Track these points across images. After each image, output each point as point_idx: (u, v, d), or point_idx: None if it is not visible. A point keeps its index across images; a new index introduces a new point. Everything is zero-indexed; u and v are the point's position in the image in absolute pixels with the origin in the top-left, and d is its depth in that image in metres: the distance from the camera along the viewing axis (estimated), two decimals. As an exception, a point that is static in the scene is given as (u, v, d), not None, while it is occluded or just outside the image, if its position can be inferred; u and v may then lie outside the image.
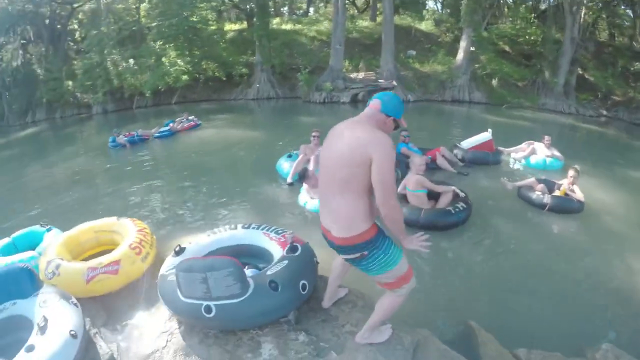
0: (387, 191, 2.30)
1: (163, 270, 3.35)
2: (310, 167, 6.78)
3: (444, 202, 5.88)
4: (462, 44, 22.69)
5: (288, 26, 28.89)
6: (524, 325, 3.73)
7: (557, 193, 6.47)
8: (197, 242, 3.82)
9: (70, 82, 22.82)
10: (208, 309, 2.81)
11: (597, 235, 5.75)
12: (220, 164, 9.83)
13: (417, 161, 6.00)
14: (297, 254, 3.32)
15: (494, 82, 23.24)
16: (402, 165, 7.47)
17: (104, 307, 3.65)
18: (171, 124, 13.75)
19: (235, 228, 4.05)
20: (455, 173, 7.86)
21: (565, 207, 6.24)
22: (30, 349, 2.52)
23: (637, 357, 3.12)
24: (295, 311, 3.15)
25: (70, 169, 10.39)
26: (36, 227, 5.01)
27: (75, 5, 25.94)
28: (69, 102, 22.97)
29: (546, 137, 8.80)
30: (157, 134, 12.95)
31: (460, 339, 3.37)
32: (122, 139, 11.93)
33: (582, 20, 23.78)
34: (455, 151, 8.81)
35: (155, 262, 4.10)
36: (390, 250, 2.47)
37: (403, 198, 6.00)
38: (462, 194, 5.93)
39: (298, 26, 28.94)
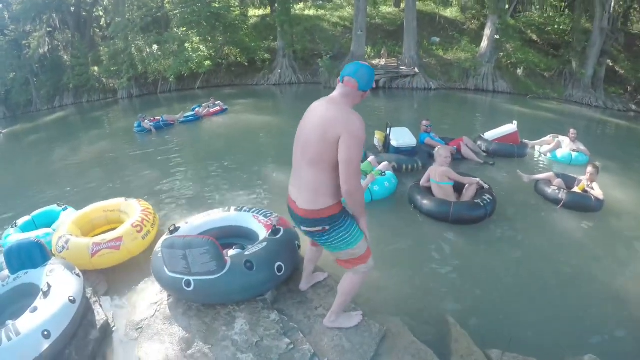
0: (351, 170, 2.37)
1: (157, 247, 3.64)
2: None
3: (468, 194, 5.78)
4: (487, 31, 22.14)
5: (311, 12, 28.96)
6: (507, 326, 3.61)
7: (575, 189, 6.24)
8: (192, 223, 4.09)
9: (96, 68, 23.58)
10: (188, 283, 3.12)
11: (611, 238, 5.34)
12: (241, 149, 9.95)
13: (443, 152, 5.82)
14: (277, 236, 3.57)
15: (519, 71, 22.79)
16: (424, 156, 7.52)
17: (107, 280, 4.02)
18: (197, 109, 13.95)
19: (229, 210, 4.33)
20: (482, 163, 7.77)
21: (581, 204, 5.91)
22: (34, 310, 2.91)
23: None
24: (273, 291, 3.41)
25: (94, 152, 10.87)
26: (53, 207, 5.49)
27: (100, -8, 26.60)
28: (95, 87, 23.75)
29: (572, 131, 8.52)
30: (182, 119, 13.14)
31: (435, 333, 3.37)
32: (147, 123, 12.15)
33: (612, 10, 23.06)
34: (478, 142, 8.71)
35: (157, 240, 4.37)
36: (352, 229, 2.58)
37: (428, 190, 5.93)
38: (486, 186, 5.83)
39: (321, 12, 28.97)
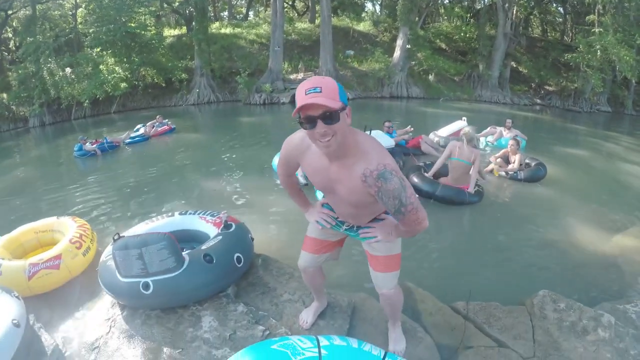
0: None
1: (103, 257, 3.42)
2: None
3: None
4: (399, 42, 23.65)
5: (228, 30, 28.86)
6: (465, 284, 3.94)
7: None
8: (135, 231, 3.85)
9: (4, 95, 21.79)
10: (146, 286, 2.91)
11: (550, 202, 6.68)
12: (196, 168, 9.57)
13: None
14: (230, 230, 3.52)
15: (431, 77, 24.52)
16: (400, 156, 7.97)
17: (48, 305, 3.67)
18: (142, 129, 13.17)
19: (173, 215, 4.16)
20: None
21: (535, 176, 7.40)
22: (-27, 337, 2.58)
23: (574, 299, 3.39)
24: (233, 286, 3.32)
25: (15, 179, 9.90)
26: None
27: (10, 12, 24.86)
28: (4, 116, 21.90)
29: (508, 121, 9.96)
30: (128, 140, 12.27)
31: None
32: (89, 146, 11.01)
33: (514, 17, 25.56)
34: (434, 138, 9.47)
35: (97, 258, 4.08)
36: None
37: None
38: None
39: (237, 30, 28.98)
